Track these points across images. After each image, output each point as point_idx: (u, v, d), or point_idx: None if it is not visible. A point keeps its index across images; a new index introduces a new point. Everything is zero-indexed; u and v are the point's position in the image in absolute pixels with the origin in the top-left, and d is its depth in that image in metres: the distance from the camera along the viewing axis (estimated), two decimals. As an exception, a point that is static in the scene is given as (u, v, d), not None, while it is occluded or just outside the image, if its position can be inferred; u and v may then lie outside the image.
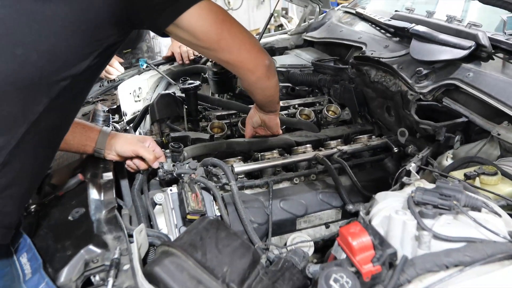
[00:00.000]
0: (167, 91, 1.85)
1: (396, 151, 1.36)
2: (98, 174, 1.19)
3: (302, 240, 1.11)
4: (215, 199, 1.14)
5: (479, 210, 0.84)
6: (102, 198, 1.09)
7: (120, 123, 1.81)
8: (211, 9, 1.03)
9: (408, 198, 0.86)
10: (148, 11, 0.96)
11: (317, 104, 1.85)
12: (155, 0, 0.95)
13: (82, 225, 0.99)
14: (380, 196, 0.99)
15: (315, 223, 1.23)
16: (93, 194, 1.10)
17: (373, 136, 1.52)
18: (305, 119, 1.74)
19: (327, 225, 1.25)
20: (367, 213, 0.93)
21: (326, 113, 1.77)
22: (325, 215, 1.23)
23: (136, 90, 2.12)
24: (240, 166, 1.27)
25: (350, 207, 1.19)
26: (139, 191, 1.21)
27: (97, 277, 0.86)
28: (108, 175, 1.19)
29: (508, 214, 0.97)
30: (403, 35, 1.71)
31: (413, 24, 1.61)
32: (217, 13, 1.05)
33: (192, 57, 2.26)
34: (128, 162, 1.29)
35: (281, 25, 6.38)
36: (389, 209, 0.88)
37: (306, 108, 1.77)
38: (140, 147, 1.25)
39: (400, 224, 0.81)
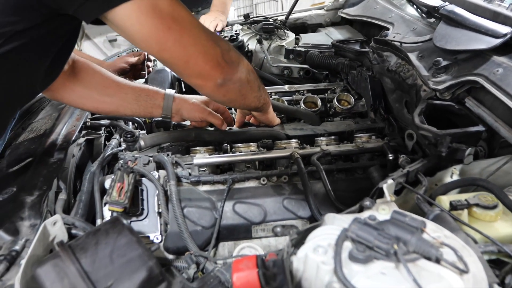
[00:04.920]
0: (164, 67, 1.74)
1: (391, 158, 1.11)
2: (52, 152, 1.14)
3: (247, 255, 0.96)
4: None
5: (437, 261, 0.62)
6: (40, 179, 1.03)
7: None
8: (155, 10, 0.82)
9: (341, 232, 0.66)
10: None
11: (329, 92, 1.61)
12: None
13: (5, 206, 0.94)
14: (328, 218, 0.80)
15: (276, 232, 1.06)
16: (33, 173, 1.04)
17: (373, 137, 1.27)
18: (311, 108, 1.53)
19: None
20: (302, 239, 0.75)
21: (337, 103, 1.54)
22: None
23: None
24: (201, 158, 1.13)
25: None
26: (94, 174, 1.13)
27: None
28: (60, 155, 1.12)
29: (506, 261, 0.74)
30: (435, 16, 1.40)
31: (446, 3, 1.29)
32: (163, 17, 0.84)
33: None
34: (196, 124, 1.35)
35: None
36: (319, 240, 0.69)
37: (312, 95, 1.55)
38: (207, 114, 1.28)
39: (314, 266, 0.63)
